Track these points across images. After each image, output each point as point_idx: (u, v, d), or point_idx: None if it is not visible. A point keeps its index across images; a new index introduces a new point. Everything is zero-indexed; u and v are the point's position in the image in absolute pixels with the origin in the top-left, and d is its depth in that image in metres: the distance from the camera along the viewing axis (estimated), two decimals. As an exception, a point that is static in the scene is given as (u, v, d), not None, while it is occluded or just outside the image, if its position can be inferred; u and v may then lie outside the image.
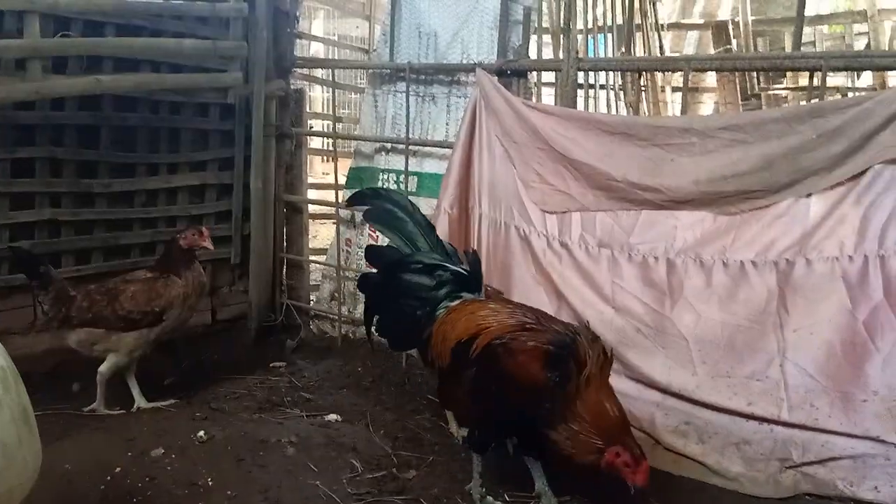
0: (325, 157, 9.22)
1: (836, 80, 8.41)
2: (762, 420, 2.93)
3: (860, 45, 8.32)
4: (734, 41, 7.80)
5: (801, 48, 7.68)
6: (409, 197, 4.29)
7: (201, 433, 3.12)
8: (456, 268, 2.88)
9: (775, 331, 2.91)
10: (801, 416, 2.84)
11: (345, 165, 5.06)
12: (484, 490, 2.75)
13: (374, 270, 3.04)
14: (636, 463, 2.39)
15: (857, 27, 8.30)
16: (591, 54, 6.23)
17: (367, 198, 3.17)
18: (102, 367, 3.44)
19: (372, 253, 3.11)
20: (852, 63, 2.94)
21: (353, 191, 4.79)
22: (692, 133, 3.07)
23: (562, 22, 3.78)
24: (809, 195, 2.87)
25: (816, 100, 3.04)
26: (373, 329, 3.04)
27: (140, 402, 3.51)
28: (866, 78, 7.78)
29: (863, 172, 2.78)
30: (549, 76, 4.97)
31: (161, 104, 4.17)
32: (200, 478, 2.77)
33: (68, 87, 3.59)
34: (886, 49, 7.26)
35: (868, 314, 2.75)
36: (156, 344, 3.59)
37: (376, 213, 3.06)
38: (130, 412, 3.47)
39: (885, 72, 6.56)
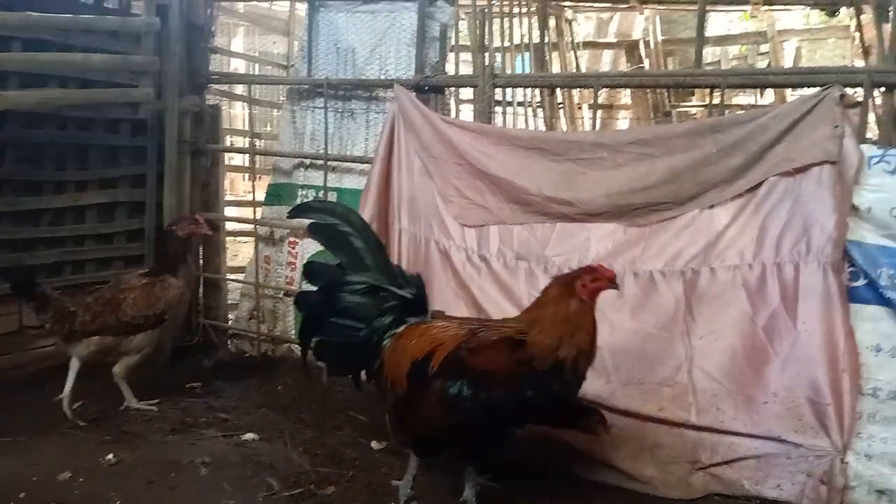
0: (244, 176, 9.06)
1: (742, 98, 8.88)
2: (673, 424, 3.03)
3: (763, 65, 8.79)
4: (646, 60, 8.12)
5: (709, 67, 8.07)
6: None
7: (110, 456, 3.03)
8: (401, 292, 2.86)
9: (683, 338, 3.02)
10: (709, 419, 2.95)
11: (267, 183, 4.99)
12: (412, 492, 2.75)
13: (313, 288, 2.95)
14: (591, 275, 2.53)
15: (764, 47, 8.76)
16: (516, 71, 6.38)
17: (313, 211, 3.10)
18: (116, 369, 3.63)
19: (313, 269, 3.02)
20: (748, 80, 3.12)
21: (273, 206, 4.76)
22: (603, 148, 3.18)
23: (478, 39, 3.83)
24: (712, 206, 3.01)
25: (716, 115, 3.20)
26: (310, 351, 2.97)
27: (131, 402, 3.66)
28: (769, 96, 8.22)
29: (760, 184, 2.94)
30: (468, 93, 5.06)
31: (69, 120, 4.04)
32: (109, 501, 2.69)
33: (-30, 103, 3.44)
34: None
35: (767, 319, 2.90)
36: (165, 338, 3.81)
37: (322, 227, 2.97)
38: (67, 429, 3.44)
39: (785, 90, 6.94)
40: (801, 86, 3.22)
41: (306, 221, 4.39)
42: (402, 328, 2.82)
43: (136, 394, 3.74)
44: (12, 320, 3.95)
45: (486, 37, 3.86)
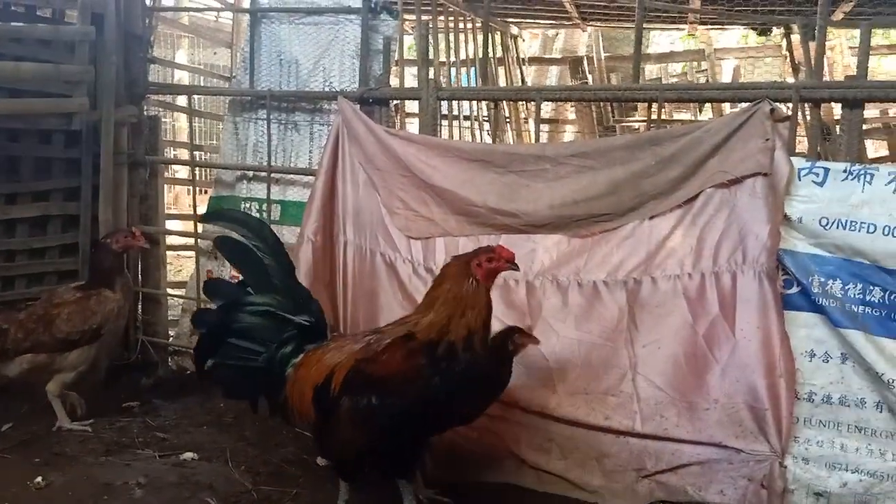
0: (189, 190, 8.86)
1: (682, 115, 9.14)
2: (618, 433, 3.05)
3: (702, 82, 9.08)
4: (590, 76, 8.29)
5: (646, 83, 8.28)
6: (273, 226, 4.25)
7: (38, 479, 2.93)
8: (299, 320, 2.80)
9: (627, 347, 3.05)
10: (653, 427, 2.98)
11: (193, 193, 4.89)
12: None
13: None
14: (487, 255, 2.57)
15: (704, 65, 9.06)
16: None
17: (226, 220, 3.06)
18: (50, 386, 3.52)
19: (213, 286, 2.97)
20: (685, 95, 3.21)
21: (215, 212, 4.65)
22: (545, 160, 3.21)
23: (422, 53, 3.84)
24: (652, 217, 3.05)
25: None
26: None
27: (63, 422, 3.55)
28: (708, 113, 8.49)
29: (697, 196, 3.00)
30: (415, 107, 5.07)
31: (-1, 131, 3.88)
32: (35, 526, 2.57)
33: None
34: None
35: (707, 327, 2.94)
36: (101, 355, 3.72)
37: (229, 241, 2.92)
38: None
39: (722, 106, 7.17)
40: (735, 100, 3.33)
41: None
42: (300, 357, 2.76)
43: (68, 413, 3.61)
44: (-67, 340, 3.74)
45: (431, 51, 3.85)
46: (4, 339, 3.41)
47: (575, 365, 3.16)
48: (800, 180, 2.77)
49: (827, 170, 2.76)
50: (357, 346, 2.68)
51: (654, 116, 3.38)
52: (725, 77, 9.49)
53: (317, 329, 2.84)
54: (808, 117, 3.09)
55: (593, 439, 3.11)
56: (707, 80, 8.32)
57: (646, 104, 3.65)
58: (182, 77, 8.78)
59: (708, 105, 8.31)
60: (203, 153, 7.44)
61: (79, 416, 3.65)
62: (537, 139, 3.70)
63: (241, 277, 2.95)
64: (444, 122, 5.11)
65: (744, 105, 3.00)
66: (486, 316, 2.59)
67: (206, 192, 8.62)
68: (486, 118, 6.54)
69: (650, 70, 9.40)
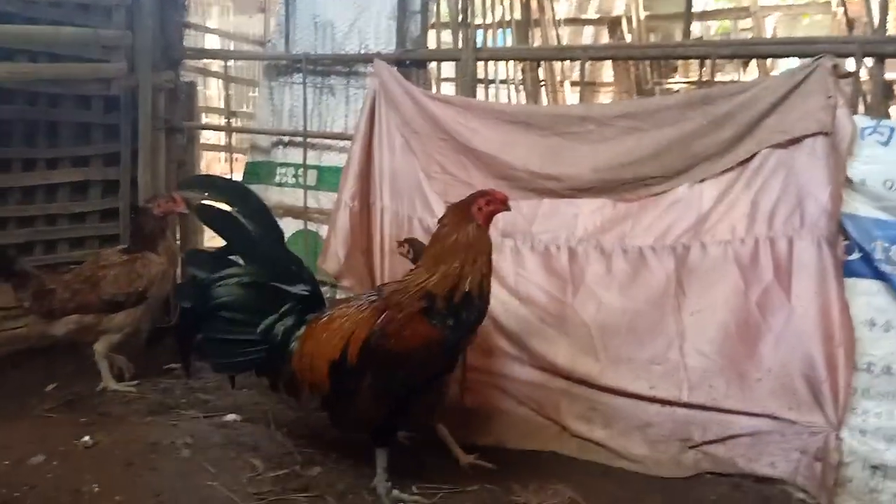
0: (221, 156, 8.90)
1: (726, 75, 8.83)
2: (664, 402, 2.98)
3: (746, 41, 8.76)
4: (628, 36, 8.04)
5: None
6: (310, 191, 4.23)
7: (86, 438, 2.93)
8: (297, 290, 2.73)
9: (674, 314, 2.96)
10: (701, 397, 2.90)
11: (244, 163, 4.87)
12: (390, 484, 2.67)
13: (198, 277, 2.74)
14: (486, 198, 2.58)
15: (742, 24, 8.72)
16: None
17: (205, 187, 3.01)
18: (97, 346, 3.55)
19: (196, 257, 2.84)
20: (739, 51, 3.04)
21: (251, 184, 4.62)
22: (590, 121, 3.10)
23: (459, 13, 3.73)
24: (703, 181, 2.94)
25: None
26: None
27: (108, 383, 3.57)
28: (753, 72, 8.18)
29: (751, 157, 2.87)
30: (449, 71, 4.95)
31: (39, 96, 3.90)
32: (85, 484, 2.60)
33: (-69, 76, 3.28)
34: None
35: (760, 294, 2.84)
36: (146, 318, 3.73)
37: (212, 212, 2.78)
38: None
39: (769, 64, 6.91)
40: (793, 56, 3.17)
41: (286, 200, 4.40)
42: (303, 329, 2.68)
43: (115, 376, 3.66)
44: (-21, 301, 3.82)
45: (469, 11, 3.73)
46: (51, 299, 3.45)
47: (618, 332, 3.09)
48: (863, 140, 2.63)
49: (892, 129, 2.60)
50: (364, 312, 2.59)
51: (704, 75, 3.25)
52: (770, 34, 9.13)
53: (315, 298, 2.77)
54: (871, 74, 2.90)
55: (637, 408, 3.04)
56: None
57: (691, 65, 3.49)
58: (212, 44, 8.78)
59: (753, 65, 8.02)
60: (237, 120, 7.46)
61: (126, 379, 3.70)
62: (582, 100, 3.58)
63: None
64: (480, 88, 4.99)
65: (804, 61, 2.85)
66: (491, 257, 2.58)
67: (229, 157, 8.67)
68: (521, 81, 6.41)
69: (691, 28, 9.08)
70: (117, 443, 2.90)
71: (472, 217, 2.55)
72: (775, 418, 2.81)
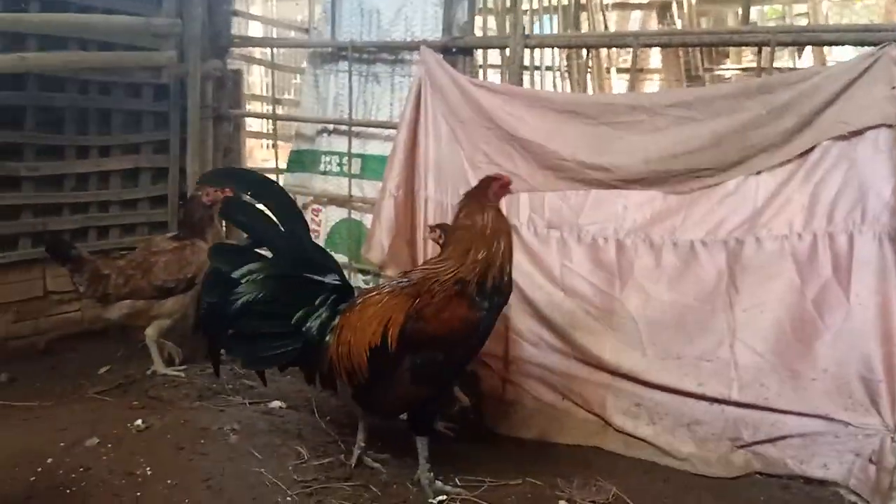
0: (262, 143, 8.98)
1: (779, 61, 8.54)
2: (713, 400, 2.92)
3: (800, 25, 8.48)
4: (678, 21, 7.85)
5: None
6: (354, 180, 4.23)
7: (138, 422, 2.99)
8: (329, 280, 2.72)
9: (725, 310, 2.89)
10: (752, 396, 2.83)
11: (286, 150, 4.90)
12: (432, 475, 2.67)
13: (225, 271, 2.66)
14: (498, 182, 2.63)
15: (797, 8, 8.44)
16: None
17: (228, 180, 2.95)
18: (148, 331, 3.64)
19: (225, 252, 2.76)
20: (800, 38, 2.92)
21: (296, 172, 4.67)
22: (641, 110, 3.02)
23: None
24: (759, 173, 2.84)
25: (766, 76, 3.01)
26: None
27: (158, 367, 3.65)
28: (807, 59, 7.92)
29: (811, 149, 2.77)
30: (493, 59, 4.89)
31: (90, 84, 3.95)
32: (138, 467, 2.66)
33: (-11, 64, 3.35)
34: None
35: (817, 292, 2.75)
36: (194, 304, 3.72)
37: (236, 206, 2.76)
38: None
39: (826, 51, 6.67)
40: (855, 44, 3.03)
41: (330, 188, 4.41)
42: (337, 319, 2.66)
43: (165, 361, 3.74)
44: (36, 285, 3.93)
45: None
46: (106, 284, 3.52)
47: (667, 328, 3.02)
48: (929, 132, 2.52)
49: (959, 121, 2.49)
50: (398, 298, 2.58)
51: (761, 62, 3.12)
52: (827, 20, 8.80)
53: (346, 287, 2.76)
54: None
55: (685, 406, 2.99)
56: (808, 23, 7.73)
57: (743, 52, 3.36)
58: (255, 31, 8.83)
59: (807, 52, 7.75)
60: (274, 107, 7.47)
61: (175, 364, 3.77)
62: (632, 88, 3.50)
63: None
64: (525, 75, 4.92)
65: (866, 49, 2.73)
66: (511, 241, 2.62)
67: (274, 145, 8.72)
68: (566, 68, 6.30)
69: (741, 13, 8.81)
70: (168, 427, 2.96)
71: (490, 201, 2.59)
72: (829, 419, 2.72)
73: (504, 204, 3.37)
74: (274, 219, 2.70)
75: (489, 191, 2.61)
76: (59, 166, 3.89)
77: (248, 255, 2.69)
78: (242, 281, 2.62)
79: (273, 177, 4.93)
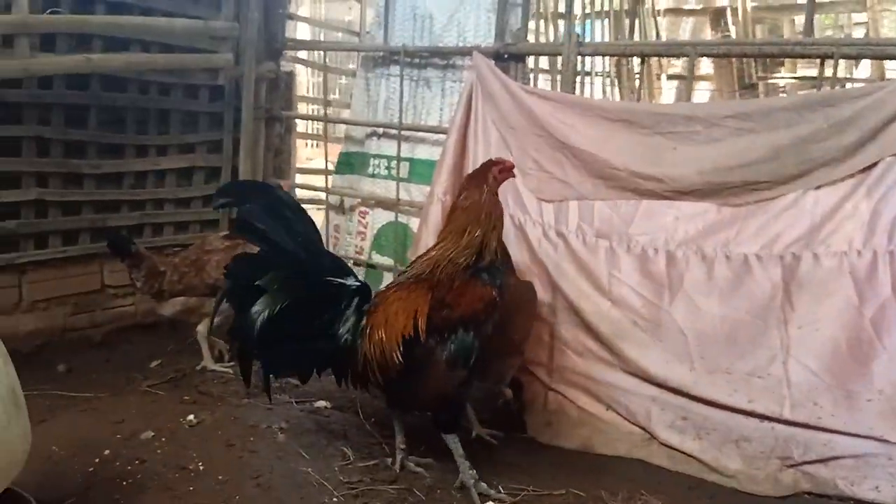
0: (308, 143, 9.10)
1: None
2: (763, 417, 2.86)
3: (858, 35, 8.24)
4: (732, 28, 7.70)
5: (801, 36, 7.60)
6: (402, 184, 4.26)
7: (190, 417, 3.07)
8: (350, 282, 2.75)
9: (779, 327, 2.83)
10: (804, 415, 2.77)
11: (331, 151, 4.96)
12: (474, 471, 2.68)
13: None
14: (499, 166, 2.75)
15: (855, 17, 8.20)
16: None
17: (243, 193, 2.88)
18: (200, 328, 3.71)
19: (257, 261, 2.69)
20: (864, 51, 2.83)
21: (344, 174, 4.72)
22: (696, 121, 2.98)
23: (561, 5, 3.65)
24: (818, 187, 2.79)
25: (827, 88, 2.95)
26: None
27: (208, 363, 3.73)
28: (864, 69, 7.70)
29: (873, 165, 2.71)
30: (544, 63, 4.87)
31: (151, 85, 4.05)
32: (191, 461, 2.72)
33: (57, 65, 3.47)
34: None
35: (875, 311, 2.68)
36: None
37: (256, 215, 2.69)
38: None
39: (885, 63, 6.47)
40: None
41: (378, 191, 4.45)
42: (364, 319, 2.69)
43: (214, 357, 3.81)
44: (94, 279, 4.05)
45: (573, 3, 3.64)
46: (162, 280, 3.62)
47: (717, 342, 2.98)
48: None
49: None
50: (418, 290, 2.65)
51: (820, 76, 3.05)
52: (887, 32, 8.55)
53: (365, 288, 2.79)
54: None
55: (733, 422, 2.94)
56: (867, 34, 7.52)
57: (798, 61, 3.28)
58: (303, 32, 8.93)
59: (865, 63, 7.54)
60: (326, 109, 7.55)
61: (223, 361, 3.84)
62: (689, 98, 3.45)
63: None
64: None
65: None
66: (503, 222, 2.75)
67: (316, 145, 8.80)
68: (616, 75, 6.25)
69: (799, 22, 8.60)
70: (219, 423, 3.03)
71: (488, 185, 2.70)
72: (883, 441, 2.66)
73: (552, 209, 3.45)
74: (288, 224, 2.69)
75: (489, 174, 2.71)
76: (120, 164, 4.00)
77: (268, 263, 2.64)
78: (270, 289, 2.57)
79: (321, 178, 5.02)
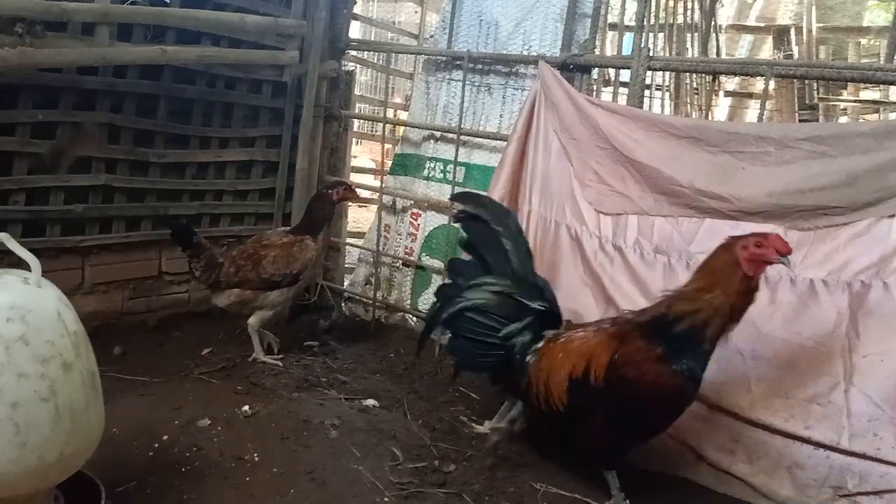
0: (357, 140, 9.19)
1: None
2: (819, 445, 2.81)
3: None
4: (795, 48, 7.57)
5: (862, 60, 7.43)
6: (457, 188, 4.28)
7: (246, 407, 3.12)
8: (535, 305, 2.88)
9: (843, 355, 2.77)
10: (863, 446, 2.71)
11: (377, 151, 5.01)
12: (627, 501, 2.69)
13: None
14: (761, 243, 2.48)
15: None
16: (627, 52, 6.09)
17: (471, 203, 3.08)
18: (251, 320, 3.77)
19: (455, 266, 3.11)
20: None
21: (398, 175, 4.76)
22: (768, 142, 2.94)
23: (630, 17, 3.64)
24: (893, 216, 2.73)
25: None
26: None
27: (259, 355, 3.80)
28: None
29: (952, 196, 2.64)
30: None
31: (218, 78, 4.13)
32: (247, 452, 2.76)
33: (134, 54, 3.56)
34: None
35: (946, 346, 2.61)
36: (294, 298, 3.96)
37: (478, 227, 3.01)
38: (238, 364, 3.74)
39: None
40: None
41: (431, 193, 4.47)
42: (541, 343, 2.84)
43: (264, 349, 3.87)
44: (152, 265, 4.14)
45: (644, 15, 3.62)
46: (219, 271, 3.68)
47: (776, 366, 2.93)
48: None
49: None
50: (603, 336, 2.68)
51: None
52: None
53: (552, 315, 2.92)
54: None
55: (787, 447, 2.88)
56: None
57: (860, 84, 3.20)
58: (354, 31, 9.01)
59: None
60: (385, 110, 7.62)
61: (273, 353, 3.91)
62: (761, 118, 3.41)
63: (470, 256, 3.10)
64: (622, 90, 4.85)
65: None
66: (736, 303, 2.49)
67: (357, 142, 8.82)
68: (666, 88, 6.19)
69: (864, 45, 8.41)
70: (273, 415, 3.06)
71: (734, 253, 2.53)
72: (944, 479, 2.58)
73: (610, 222, 3.43)
74: (506, 245, 2.95)
75: (742, 241, 2.51)
76: (184, 154, 4.09)
77: (476, 270, 3.01)
78: (469, 289, 2.92)
79: (376, 179, 5.07)
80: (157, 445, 2.73)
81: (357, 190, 4.09)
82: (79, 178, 3.68)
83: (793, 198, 2.87)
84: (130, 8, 3.44)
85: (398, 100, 8.49)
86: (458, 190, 4.28)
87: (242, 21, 3.83)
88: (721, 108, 8.24)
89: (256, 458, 2.71)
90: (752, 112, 8.99)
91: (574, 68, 3.73)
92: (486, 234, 2.97)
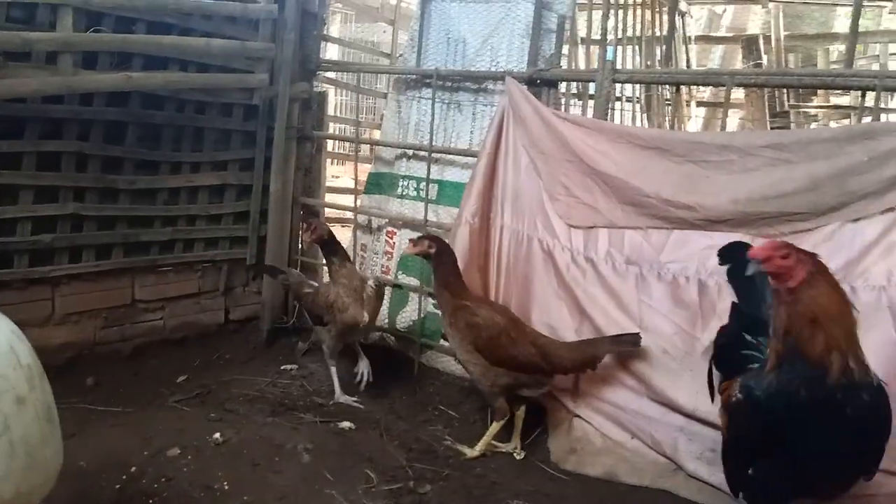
0: (333, 160, 9.20)
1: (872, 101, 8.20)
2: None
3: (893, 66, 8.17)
4: (764, 56, 7.66)
5: (831, 66, 7.53)
6: (430, 206, 4.27)
7: (217, 435, 3.07)
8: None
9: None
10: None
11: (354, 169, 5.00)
12: None
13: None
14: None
15: (892, 47, 8.13)
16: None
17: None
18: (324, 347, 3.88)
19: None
20: (908, 84, 2.80)
21: (373, 194, 4.74)
22: (731, 150, 2.96)
23: (595, 31, 3.67)
24: (856, 220, 2.74)
25: (867, 120, 2.92)
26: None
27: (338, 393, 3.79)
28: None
29: (916, 198, 2.65)
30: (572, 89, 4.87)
31: (187, 103, 4.10)
32: (216, 481, 2.72)
33: (98, 82, 3.53)
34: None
35: (915, 346, 2.62)
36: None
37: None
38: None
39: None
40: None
41: (406, 212, 4.46)
42: None
43: (237, 374, 3.85)
44: (125, 293, 4.09)
45: (607, 30, 3.65)
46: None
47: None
48: None
49: None
50: None
51: (862, 105, 3.02)
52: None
53: None
54: None
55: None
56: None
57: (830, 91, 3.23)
58: (331, 52, 9.05)
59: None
60: (358, 131, 7.64)
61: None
62: (724, 127, 3.43)
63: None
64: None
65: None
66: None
67: (338, 162, 8.79)
68: (646, 101, 6.24)
69: (833, 51, 8.54)
70: (244, 442, 3.02)
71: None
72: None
73: (581, 234, 3.41)
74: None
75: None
76: (154, 180, 4.05)
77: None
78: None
79: (350, 198, 5.05)
80: (124, 477, 2.69)
81: (332, 210, 4.07)
82: (46, 208, 3.64)
83: (757, 205, 2.89)
84: (93, 36, 3.42)
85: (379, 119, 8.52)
86: (431, 207, 4.28)
87: (208, 45, 3.83)
88: (696, 118, 8.31)
89: (226, 487, 2.68)
90: (730, 121, 9.10)
91: (541, 83, 3.75)
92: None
